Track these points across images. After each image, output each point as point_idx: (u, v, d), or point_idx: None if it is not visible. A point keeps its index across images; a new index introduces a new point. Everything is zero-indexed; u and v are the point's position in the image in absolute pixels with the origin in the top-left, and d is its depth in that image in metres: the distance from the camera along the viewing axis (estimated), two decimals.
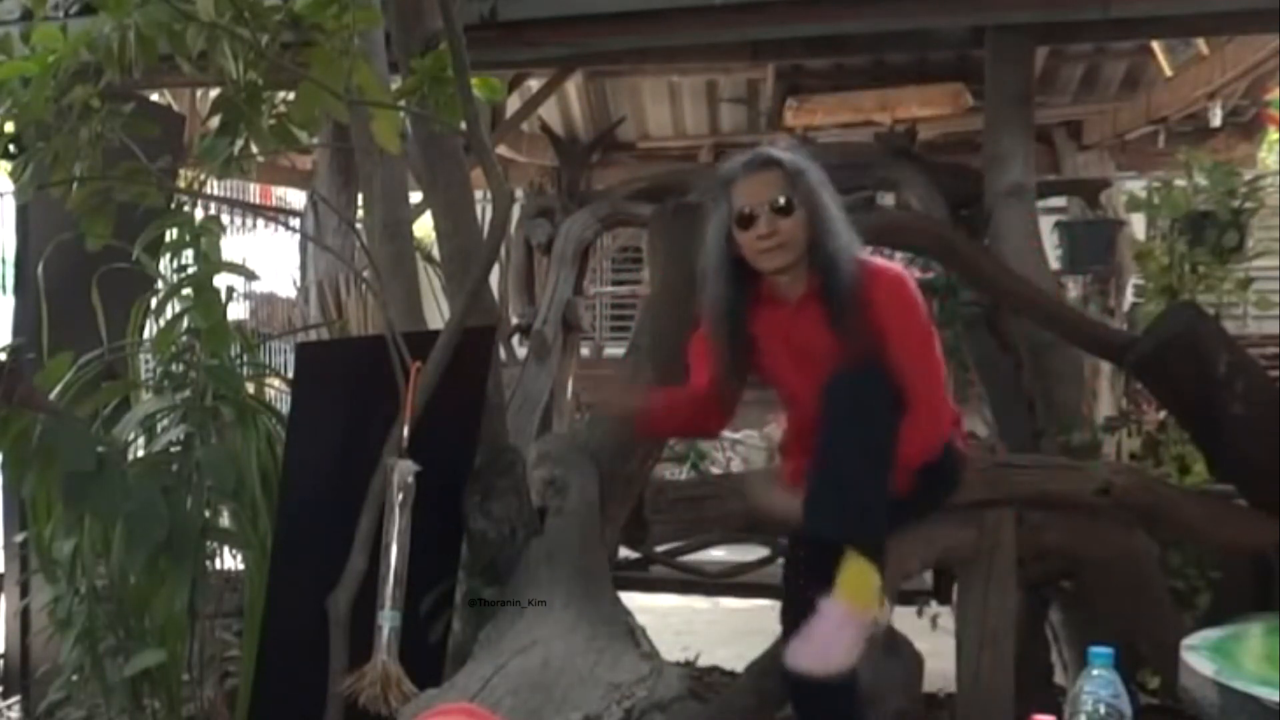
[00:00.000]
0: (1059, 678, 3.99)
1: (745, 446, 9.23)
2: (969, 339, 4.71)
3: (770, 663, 3.15)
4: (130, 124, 2.81)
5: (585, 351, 9.24)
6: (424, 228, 3.78)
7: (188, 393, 2.98)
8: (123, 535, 2.81)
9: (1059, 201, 6.82)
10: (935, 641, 3.90)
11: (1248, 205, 4.86)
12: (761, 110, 6.90)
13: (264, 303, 7.82)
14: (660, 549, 4.58)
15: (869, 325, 2.53)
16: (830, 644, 2.42)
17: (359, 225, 3.64)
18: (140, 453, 3.02)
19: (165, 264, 3.18)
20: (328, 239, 5.70)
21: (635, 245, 10.26)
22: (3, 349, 3.01)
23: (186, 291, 3.02)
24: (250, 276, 3.51)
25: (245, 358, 3.22)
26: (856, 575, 2.44)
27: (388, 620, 2.60)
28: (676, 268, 3.43)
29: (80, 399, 2.99)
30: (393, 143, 2.87)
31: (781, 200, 2.57)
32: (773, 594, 2.75)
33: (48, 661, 3.44)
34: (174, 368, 3.04)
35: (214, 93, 3.10)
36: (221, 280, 3.04)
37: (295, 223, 6.62)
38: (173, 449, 2.97)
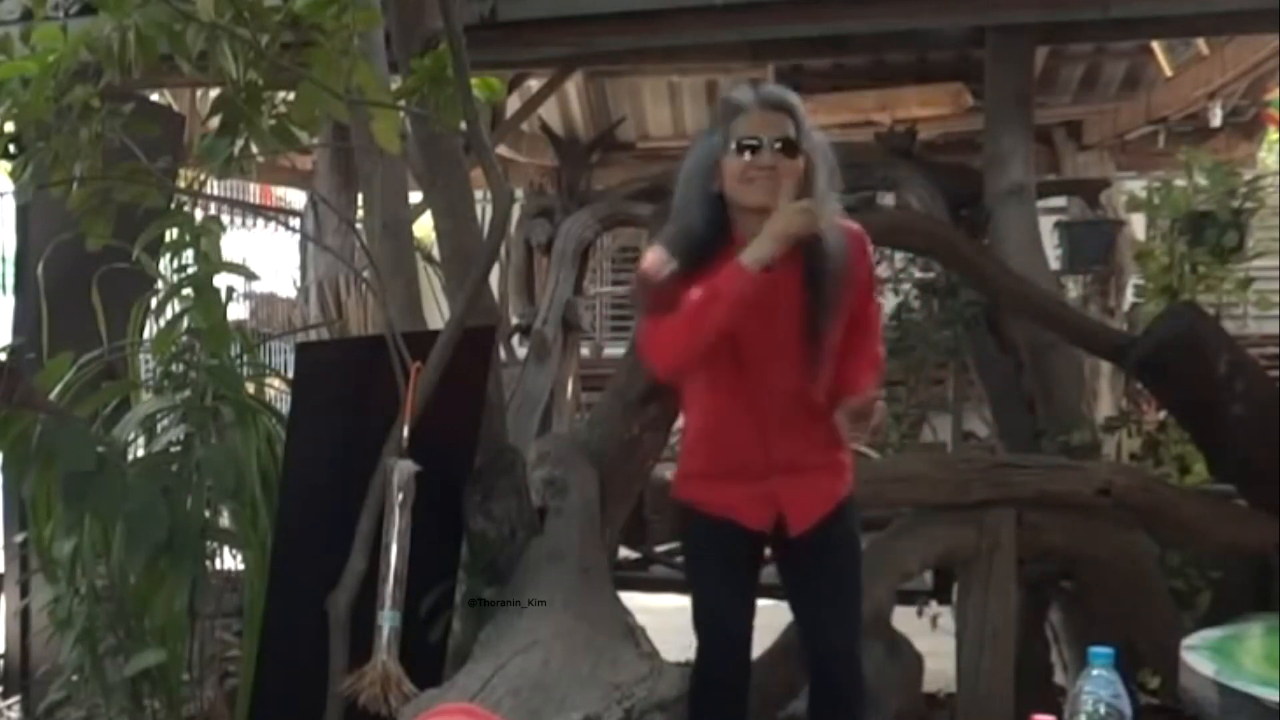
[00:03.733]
0: (1059, 678, 3.99)
1: None
2: (969, 339, 4.71)
3: (771, 662, 3.15)
4: (130, 124, 2.81)
5: (585, 351, 9.24)
6: (424, 228, 3.77)
7: (188, 393, 2.98)
8: (123, 535, 2.81)
9: (1059, 201, 6.82)
10: (935, 641, 3.90)
11: (1248, 205, 4.87)
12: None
13: (264, 303, 7.82)
14: (660, 549, 4.58)
15: (841, 278, 2.49)
16: None
17: (359, 225, 3.63)
18: (140, 453, 3.02)
19: (165, 264, 3.17)
20: (328, 239, 5.70)
21: (635, 245, 10.24)
22: (3, 349, 3.01)
23: (186, 291, 3.02)
24: (250, 276, 3.51)
25: (245, 358, 3.22)
26: None
27: (388, 620, 2.60)
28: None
29: (80, 399, 2.99)
30: (393, 143, 2.86)
31: (789, 138, 2.45)
32: (773, 594, 2.73)
33: (48, 661, 3.44)
34: (174, 368, 3.04)
35: (214, 93, 3.10)
36: (221, 280, 3.04)
37: (295, 223, 6.62)
38: (173, 449, 2.97)
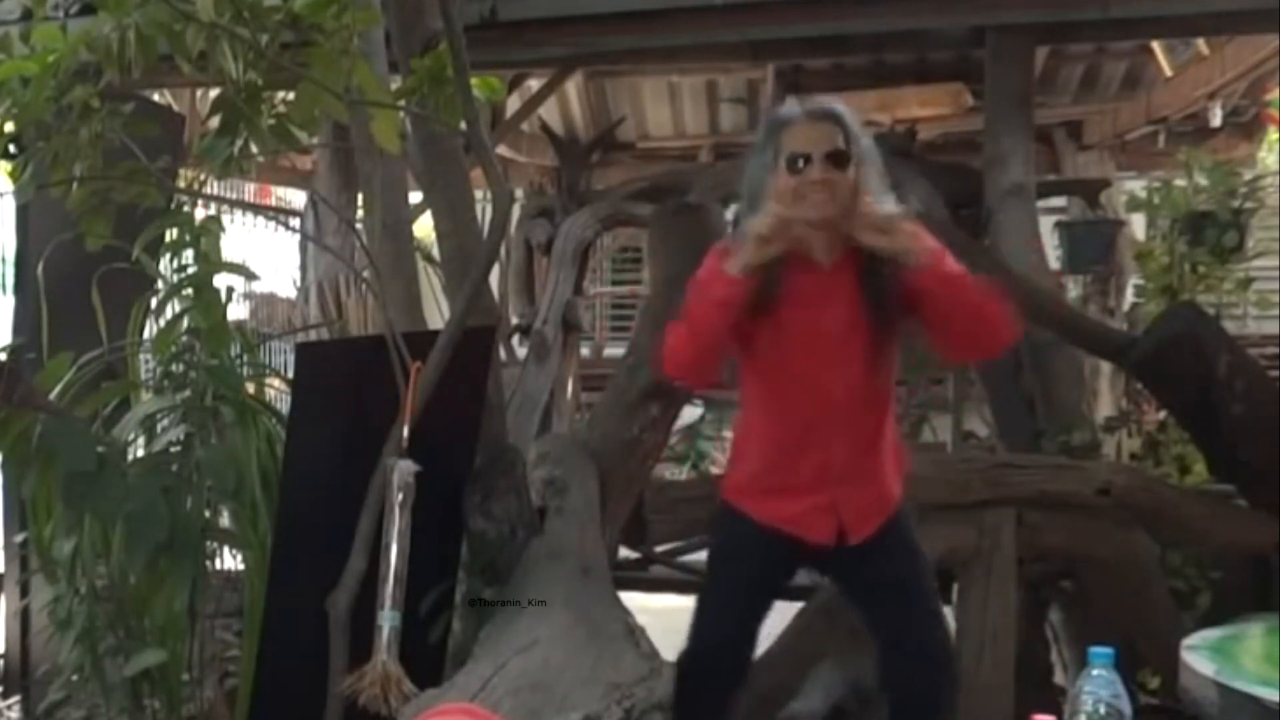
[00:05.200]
0: (1059, 678, 3.99)
1: None
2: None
3: (770, 662, 3.15)
4: (130, 124, 2.81)
5: (585, 351, 9.24)
6: (424, 228, 3.78)
7: (188, 393, 2.98)
8: (123, 535, 2.81)
9: (1059, 201, 6.82)
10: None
11: (1248, 205, 4.87)
12: (761, 110, 6.89)
13: (264, 303, 7.82)
14: (660, 549, 4.58)
15: (903, 291, 2.40)
16: None
17: (359, 225, 3.63)
18: (140, 453, 3.02)
19: (165, 264, 3.17)
20: (328, 239, 5.70)
21: (635, 245, 10.26)
22: (3, 349, 3.01)
23: (186, 291, 3.02)
24: (250, 276, 3.51)
25: (245, 358, 3.22)
26: None
27: (388, 620, 2.60)
28: (677, 268, 3.43)
29: (80, 399, 2.99)
30: (393, 143, 2.86)
31: (839, 150, 2.41)
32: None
33: (48, 661, 3.43)
34: (174, 368, 3.04)
35: (214, 93, 3.10)
36: (221, 280, 3.04)
37: (295, 223, 6.62)
38: (173, 449, 2.97)
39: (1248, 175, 5.31)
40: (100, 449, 2.82)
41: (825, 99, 2.55)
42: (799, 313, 2.46)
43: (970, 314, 2.38)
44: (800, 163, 2.40)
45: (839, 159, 2.41)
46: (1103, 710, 1.80)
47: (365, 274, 3.69)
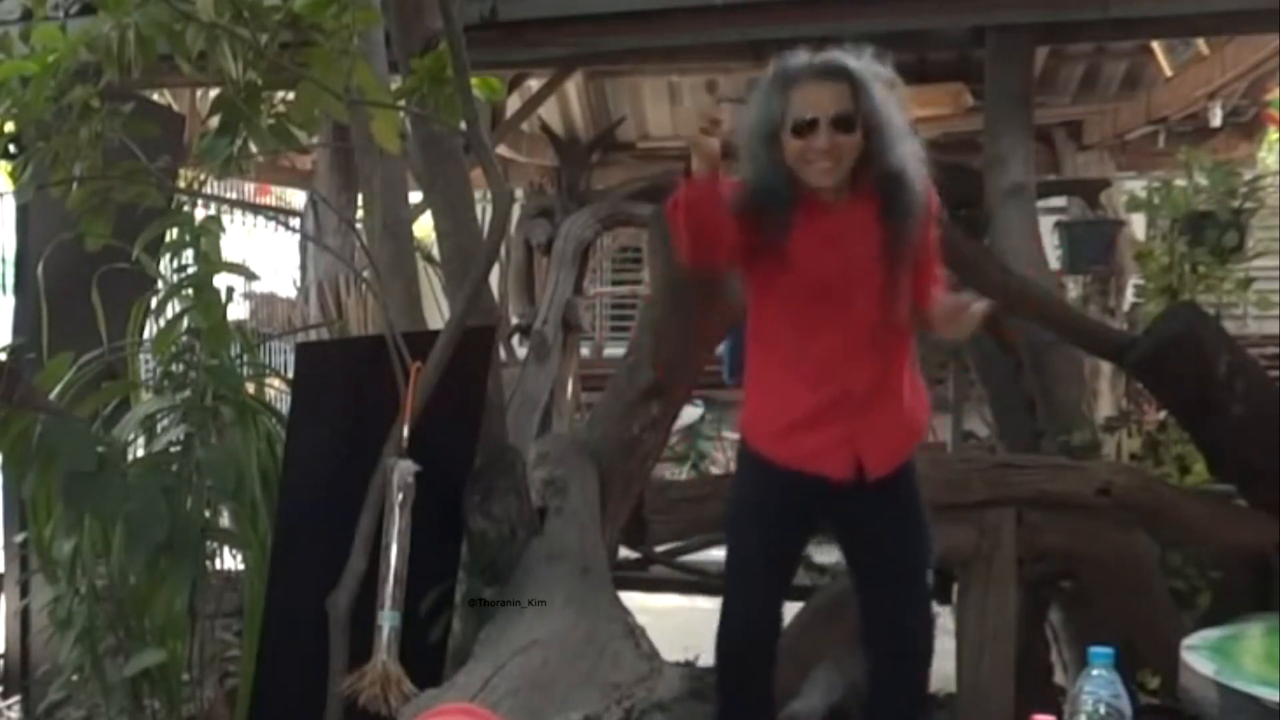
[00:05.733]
0: (1059, 678, 3.99)
1: None
2: (969, 339, 4.70)
3: None
4: (130, 124, 2.81)
5: (585, 351, 9.24)
6: (424, 228, 3.78)
7: (188, 393, 2.97)
8: (123, 535, 2.81)
9: (1059, 201, 6.82)
10: (935, 641, 3.89)
11: (1248, 205, 4.86)
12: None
13: (264, 303, 7.83)
14: (660, 549, 4.58)
15: (915, 210, 2.49)
16: None
17: (359, 225, 3.63)
18: (140, 453, 3.02)
19: (165, 264, 3.17)
20: (328, 239, 5.70)
21: (635, 245, 10.26)
22: (3, 349, 3.01)
23: (186, 291, 3.01)
24: (250, 276, 3.51)
25: (245, 358, 3.22)
26: None
27: (388, 620, 2.61)
28: (677, 268, 3.43)
29: (80, 399, 2.99)
30: (393, 143, 2.87)
31: (845, 113, 2.41)
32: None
33: (48, 661, 3.43)
34: (174, 368, 3.04)
35: (214, 93, 3.10)
36: (221, 280, 3.04)
37: (295, 223, 6.62)
38: (173, 449, 2.96)
39: (1248, 175, 5.31)
40: (100, 449, 2.82)
41: (835, 52, 2.50)
42: (810, 247, 2.47)
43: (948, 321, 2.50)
44: (807, 124, 2.40)
45: (845, 123, 2.41)
46: (1103, 710, 1.80)
47: (365, 274, 3.69)
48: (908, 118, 2.50)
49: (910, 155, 2.48)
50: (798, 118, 2.42)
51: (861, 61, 2.47)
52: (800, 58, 2.48)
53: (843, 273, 2.48)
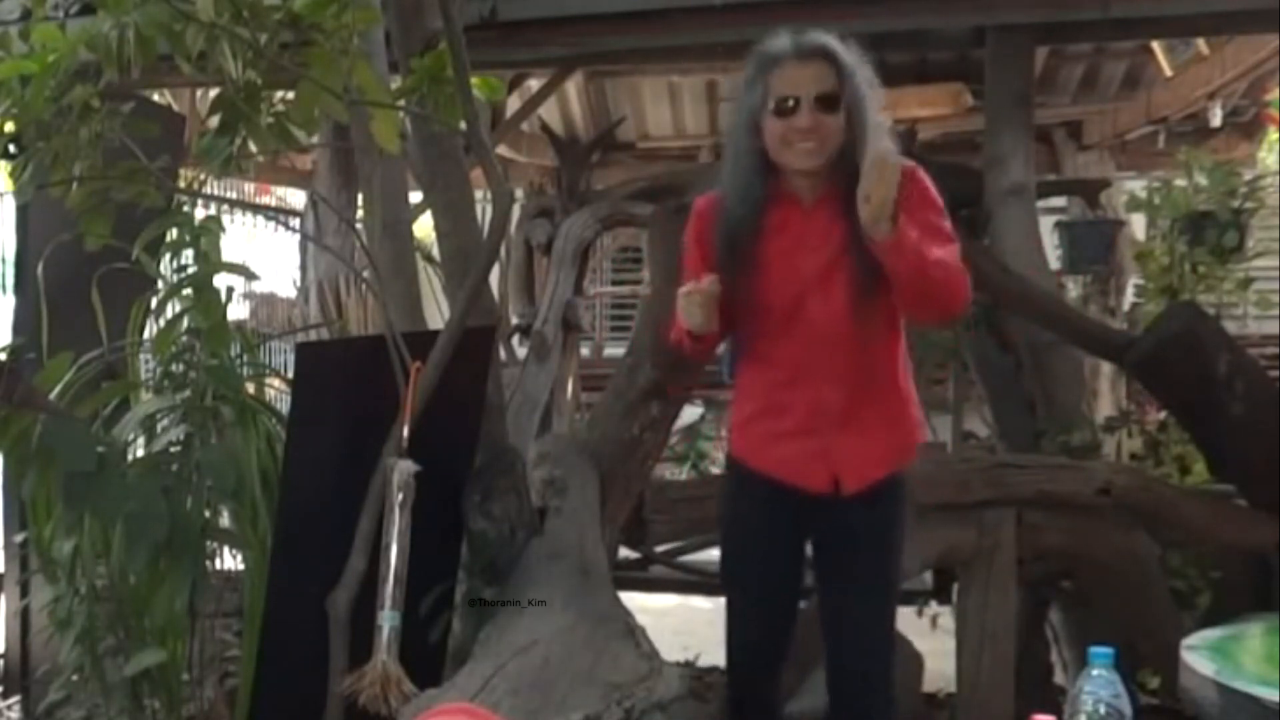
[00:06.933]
0: (1059, 678, 3.99)
1: None
2: (969, 339, 4.71)
3: None
4: (130, 124, 2.81)
5: (585, 351, 9.24)
6: (424, 228, 3.78)
7: (188, 393, 2.98)
8: (123, 535, 2.81)
9: (1059, 201, 6.82)
10: (935, 641, 3.90)
11: (1248, 205, 4.87)
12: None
13: (264, 303, 7.83)
14: (660, 549, 4.58)
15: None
16: None
17: (359, 225, 3.63)
18: (140, 453, 3.02)
19: (165, 264, 3.17)
20: (328, 239, 5.70)
21: (635, 245, 10.26)
22: (3, 349, 3.01)
23: (186, 291, 3.02)
24: (250, 276, 3.51)
25: (245, 358, 3.22)
26: None
27: (388, 620, 2.60)
28: (677, 267, 3.43)
29: (80, 399, 2.99)
30: (393, 143, 2.86)
31: (828, 93, 2.34)
32: None
33: (48, 661, 3.44)
34: (174, 368, 3.04)
35: (214, 93, 3.10)
36: (221, 280, 3.04)
37: (295, 223, 6.62)
38: (173, 449, 2.97)
39: (1248, 175, 5.32)
40: (100, 449, 2.82)
41: (817, 32, 2.44)
42: (780, 248, 2.42)
43: (920, 288, 2.33)
44: (789, 103, 2.35)
45: (829, 102, 2.35)
46: (1103, 710, 1.80)
47: (365, 274, 3.69)
48: (887, 118, 2.43)
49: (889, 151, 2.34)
50: (779, 97, 2.35)
51: (845, 48, 2.42)
52: (781, 39, 2.42)
53: (816, 278, 2.42)
